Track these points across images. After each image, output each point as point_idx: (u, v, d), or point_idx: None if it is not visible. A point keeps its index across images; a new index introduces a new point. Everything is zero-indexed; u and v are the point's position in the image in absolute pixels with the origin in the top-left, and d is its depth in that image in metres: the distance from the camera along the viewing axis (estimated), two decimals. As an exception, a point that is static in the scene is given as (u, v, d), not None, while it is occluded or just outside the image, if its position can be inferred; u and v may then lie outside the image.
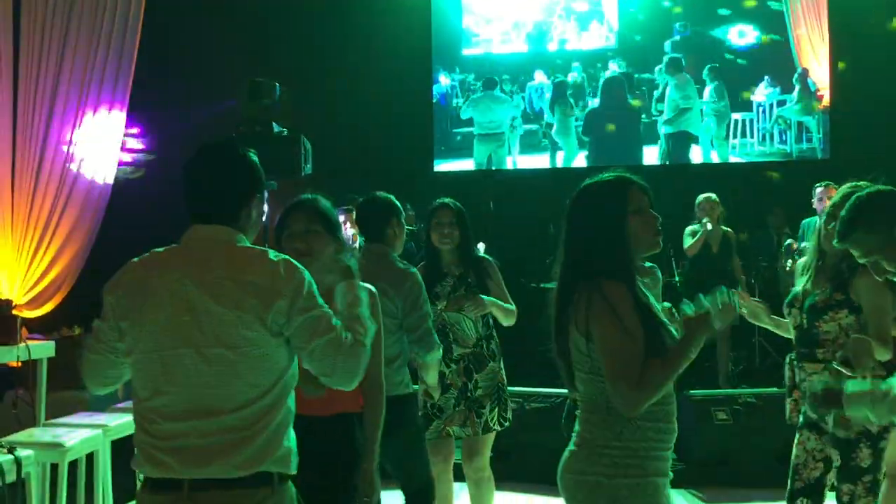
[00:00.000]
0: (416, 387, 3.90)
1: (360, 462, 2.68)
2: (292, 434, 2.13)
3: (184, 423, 2.01)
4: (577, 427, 2.31)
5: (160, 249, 2.15)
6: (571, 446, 2.30)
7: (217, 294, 2.01)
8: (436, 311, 3.96)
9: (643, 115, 9.28)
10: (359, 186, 7.48)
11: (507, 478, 5.17)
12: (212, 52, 8.10)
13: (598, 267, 2.23)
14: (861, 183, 3.26)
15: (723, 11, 9.13)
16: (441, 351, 3.65)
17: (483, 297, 3.96)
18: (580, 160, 9.33)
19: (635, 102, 9.26)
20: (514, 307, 4.10)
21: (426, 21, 9.47)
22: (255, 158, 2.20)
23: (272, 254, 2.10)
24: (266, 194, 2.26)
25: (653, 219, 2.33)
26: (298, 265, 2.11)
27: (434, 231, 4.06)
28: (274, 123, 5.84)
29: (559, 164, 9.39)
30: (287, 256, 2.12)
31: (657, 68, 9.22)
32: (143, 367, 2.07)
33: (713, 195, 6.84)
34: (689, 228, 6.83)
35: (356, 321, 2.20)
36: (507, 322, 4.11)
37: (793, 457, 3.34)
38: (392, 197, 3.77)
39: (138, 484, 2.26)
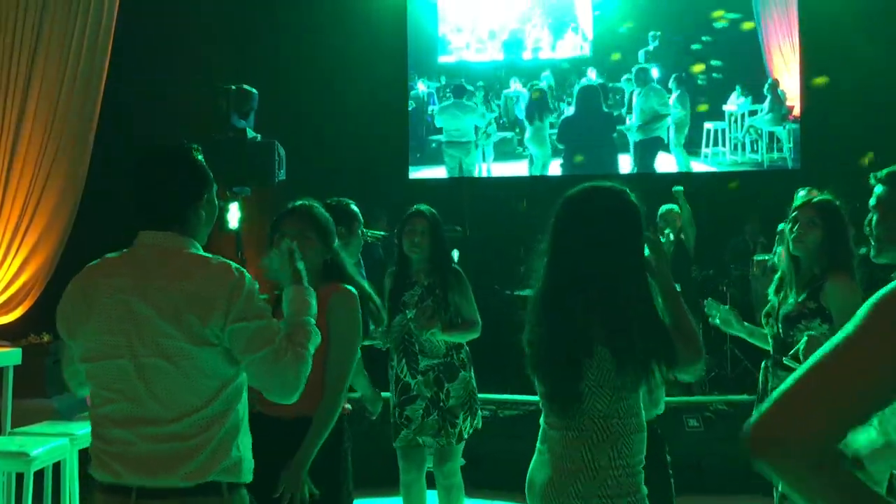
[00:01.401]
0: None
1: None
2: (244, 441, 2.12)
3: (130, 431, 2.02)
4: (555, 448, 2.25)
5: (112, 255, 2.15)
6: (549, 471, 2.24)
7: (157, 303, 2.01)
8: (404, 320, 3.97)
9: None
10: (333, 193, 7.48)
11: (481, 485, 5.17)
12: (185, 58, 8.05)
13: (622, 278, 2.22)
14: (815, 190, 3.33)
15: (696, 22, 9.22)
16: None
17: (436, 328, 3.85)
18: (554, 168, 9.37)
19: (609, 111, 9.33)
20: (477, 325, 4.03)
21: (402, 29, 9.48)
22: (200, 158, 2.18)
23: (214, 259, 2.09)
24: (215, 193, 2.22)
25: None
26: (240, 270, 2.07)
27: (405, 238, 4.02)
28: (248, 129, 5.82)
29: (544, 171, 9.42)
30: (229, 261, 2.10)
31: (624, 77, 9.28)
32: (93, 375, 2.10)
33: (675, 207, 7.04)
34: None
35: (300, 329, 2.17)
36: (468, 339, 4.06)
37: None
38: (349, 203, 3.77)
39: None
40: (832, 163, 8.29)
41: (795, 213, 3.32)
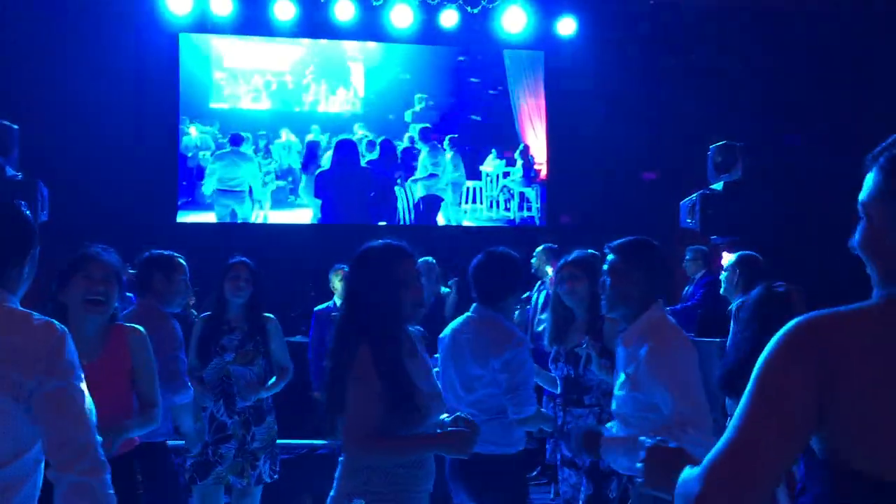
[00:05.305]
0: (177, 443, 4.07)
1: None
2: None
3: None
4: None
5: None
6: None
7: None
8: (223, 363, 4.20)
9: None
10: (99, 235, 7.26)
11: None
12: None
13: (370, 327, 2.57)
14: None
15: (458, 88, 10.03)
16: (191, 394, 3.85)
17: (260, 392, 4.24)
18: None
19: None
20: (290, 370, 4.39)
21: (173, 71, 9.41)
22: (28, 215, 2.19)
23: (36, 317, 2.04)
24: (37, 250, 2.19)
25: (419, 290, 2.67)
26: (61, 329, 2.03)
27: (229, 283, 4.28)
28: (8, 167, 5.60)
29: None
30: (51, 320, 2.05)
31: (406, 135, 9.87)
32: None
33: (431, 258, 7.41)
34: None
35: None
36: (282, 386, 4.39)
37: (562, 493, 3.78)
38: (172, 254, 4.00)
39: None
40: (573, 220, 9.32)
41: (561, 270, 3.82)
